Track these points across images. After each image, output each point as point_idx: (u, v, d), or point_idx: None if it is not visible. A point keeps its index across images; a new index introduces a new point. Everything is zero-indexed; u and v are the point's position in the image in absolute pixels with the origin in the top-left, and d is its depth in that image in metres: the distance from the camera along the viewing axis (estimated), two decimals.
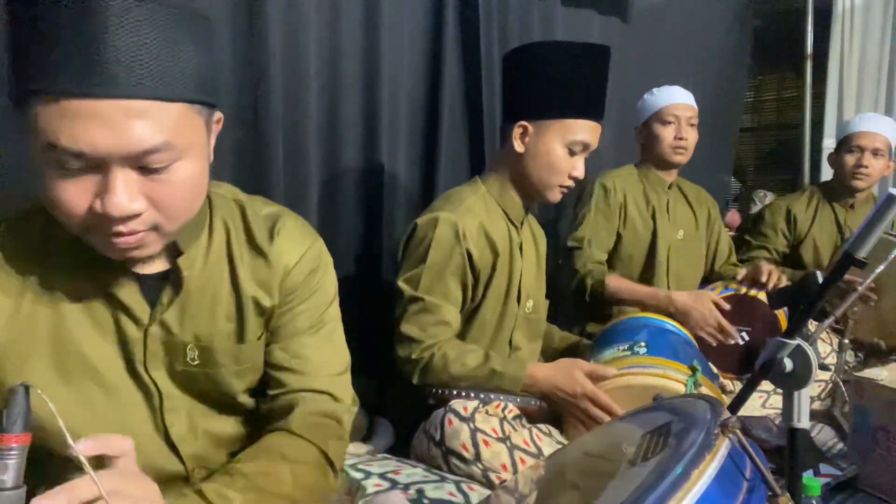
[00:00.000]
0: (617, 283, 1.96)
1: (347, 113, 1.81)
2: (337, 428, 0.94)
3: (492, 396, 1.35)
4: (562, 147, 1.46)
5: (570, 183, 1.50)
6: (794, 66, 3.71)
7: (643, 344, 1.50)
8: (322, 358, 0.95)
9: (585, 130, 1.46)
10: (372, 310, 1.90)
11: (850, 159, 2.36)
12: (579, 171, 1.49)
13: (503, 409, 1.32)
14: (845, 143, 2.39)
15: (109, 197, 0.68)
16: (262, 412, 0.94)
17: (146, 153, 0.68)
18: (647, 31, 2.74)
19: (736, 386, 1.87)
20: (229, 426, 0.93)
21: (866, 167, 2.33)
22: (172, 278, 0.84)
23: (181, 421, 0.88)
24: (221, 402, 0.91)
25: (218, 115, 0.81)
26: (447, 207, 1.46)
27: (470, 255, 1.43)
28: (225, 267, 0.88)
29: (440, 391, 1.37)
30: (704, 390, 1.38)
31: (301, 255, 0.93)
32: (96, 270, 0.79)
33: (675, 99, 2.09)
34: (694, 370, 1.39)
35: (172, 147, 0.70)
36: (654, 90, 2.14)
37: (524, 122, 1.46)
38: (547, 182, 1.49)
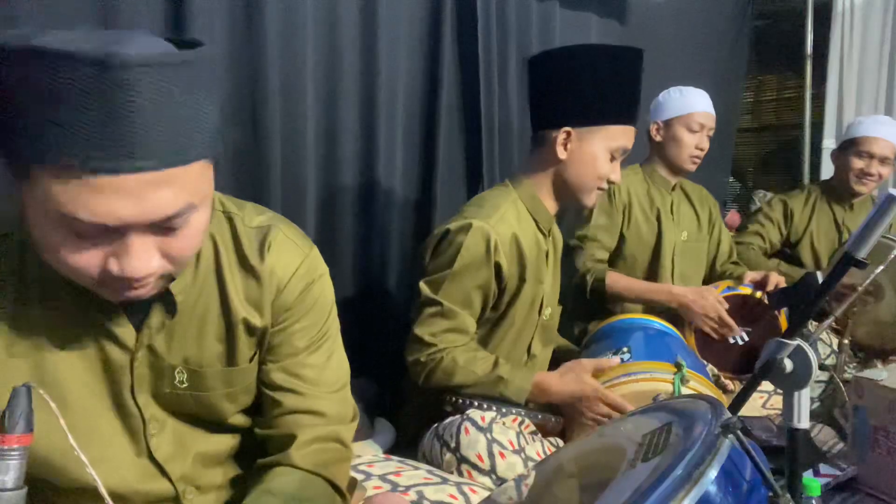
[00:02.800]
0: (617, 279, 1.96)
1: (344, 116, 1.81)
2: (340, 450, 0.92)
3: (513, 411, 1.33)
4: (605, 152, 1.45)
5: (606, 186, 1.50)
6: (794, 66, 3.71)
7: (626, 350, 1.51)
8: (321, 377, 0.92)
9: (626, 136, 1.47)
10: (372, 313, 1.90)
11: (857, 163, 2.35)
12: (616, 176, 1.49)
13: (519, 424, 1.31)
14: (854, 145, 2.36)
15: (128, 260, 0.66)
16: (260, 436, 0.91)
17: (169, 219, 0.67)
18: (645, 33, 2.74)
19: (736, 386, 1.88)
20: (221, 444, 0.91)
21: (873, 175, 2.33)
22: (166, 303, 0.80)
23: (167, 443, 0.85)
24: (212, 423, 0.89)
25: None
26: (481, 215, 1.42)
27: (499, 268, 1.41)
28: (214, 286, 0.84)
29: (456, 399, 1.36)
30: (693, 384, 1.38)
31: (294, 270, 0.88)
32: (78, 296, 0.75)
33: (704, 107, 2.08)
34: (679, 366, 1.40)
35: (192, 206, 0.69)
36: (682, 90, 2.11)
37: (568, 129, 1.44)
38: (587, 186, 1.48)
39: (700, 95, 2.10)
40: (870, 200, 2.53)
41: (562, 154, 1.45)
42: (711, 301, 1.86)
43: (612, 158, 1.47)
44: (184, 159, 0.65)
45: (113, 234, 0.65)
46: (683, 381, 1.36)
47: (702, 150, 2.08)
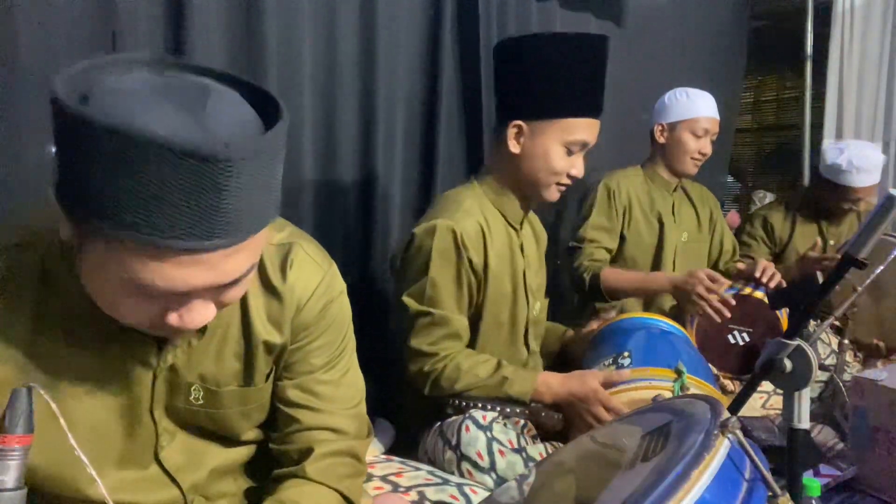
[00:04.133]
0: (611, 273, 1.95)
1: (344, 116, 1.80)
2: (354, 464, 0.92)
3: (517, 411, 1.33)
4: (560, 147, 1.39)
5: (568, 181, 1.45)
6: (794, 66, 3.71)
7: (627, 354, 1.48)
8: (337, 394, 0.92)
9: (584, 129, 1.40)
10: (371, 313, 1.90)
11: (845, 205, 2.38)
12: (578, 170, 1.43)
13: (522, 427, 1.31)
14: (846, 192, 2.34)
15: (189, 316, 0.68)
16: (274, 451, 0.92)
17: (236, 281, 0.68)
18: (644, 33, 2.75)
19: (736, 386, 1.88)
20: (233, 457, 0.91)
21: (859, 210, 2.40)
22: None
23: (177, 453, 0.85)
24: (224, 438, 0.89)
25: None
26: (444, 214, 1.39)
27: (471, 262, 1.39)
28: (236, 305, 0.84)
29: (459, 402, 1.35)
30: (694, 390, 1.37)
31: (314, 289, 0.88)
32: (99, 315, 0.73)
33: (710, 111, 2.07)
34: (679, 373, 1.38)
35: (255, 264, 0.70)
36: (688, 92, 2.09)
37: (519, 122, 1.40)
38: (545, 182, 1.43)
39: (706, 99, 2.09)
40: (854, 215, 2.53)
41: (514, 148, 1.41)
42: (701, 276, 1.79)
43: (570, 153, 1.41)
44: (261, 227, 0.67)
45: (179, 295, 0.66)
46: (683, 388, 1.35)
47: (704, 154, 2.08)
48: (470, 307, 1.44)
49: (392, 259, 1.51)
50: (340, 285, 0.93)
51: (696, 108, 2.06)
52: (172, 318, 0.67)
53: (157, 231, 0.59)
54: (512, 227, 1.51)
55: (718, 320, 1.77)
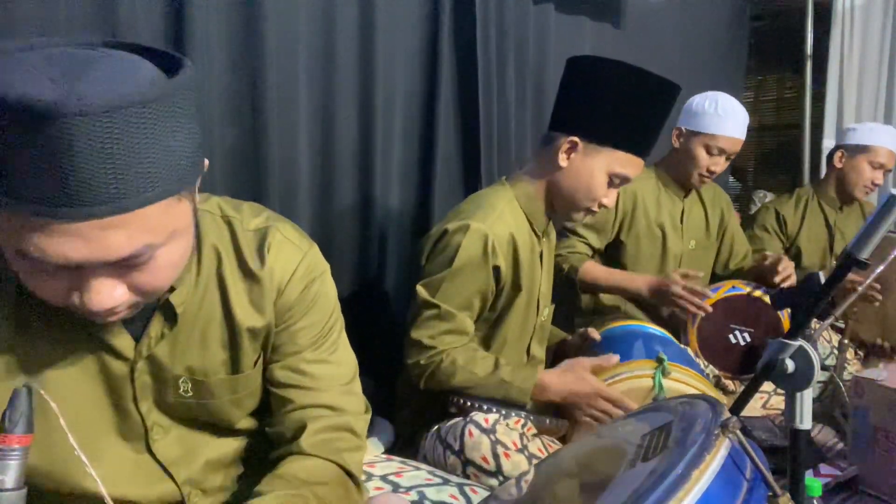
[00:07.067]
0: (593, 269, 1.92)
1: (342, 117, 1.80)
2: (352, 439, 0.92)
3: (521, 414, 1.33)
4: (605, 175, 1.41)
5: (597, 210, 1.47)
6: (794, 66, 3.71)
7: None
8: (328, 372, 0.92)
9: (633, 166, 1.42)
10: (370, 313, 1.90)
11: (867, 172, 2.37)
12: (610, 202, 1.46)
13: (522, 426, 1.31)
14: (868, 153, 2.36)
15: (88, 296, 0.64)
16: (270, 434, 0.91)
17: (124, 260, 0.63)
18: (643, 34, 2.74)
19: (737, 387, 1.88)
20: (228, 448, 0.91)
21: (879, 185, 2.37)
22: (166, 313, 0.80)
23: (171, 447, 0.85)
24: (218, 428, 0.89)
25: (204, 163, 0.73)
26: (478, 215, 1.39)
27: (497, 270, 1.39)
28: (216, 294, 0.84)
29: (461, 401, 1.35)
30: (675, 375, 1.39)
31: (293, 270, 0.87)
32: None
33: (732, 131, 1.96)
34: (660, 360, 1.40)
35: (153, 245, 0.65)
36: (717, 102, 1.97)
37: (575, 139, 1.40)
38: (578, 203, 1.45)
39: (734, 117, 1.97)
40: (857, 202, 2.53)
41: (562, 161, 1.42)
42: (674, 278, 1.85)
43: (611, 184, 1.43)
44: (141, 202, 0.61)
45: (71, 270, 0.63)
46: (664, 373, 1.37)
47: (713, 172, 2.01)
48: (482, 313, 1.44)
49: (416, 253, 1.50)
50: (323, 265, 0.92)
51: (720, 125, 1.96)
52: (75, 298, 0.65)
53: (20, 198, 0.57)
54: (536, 234, 1.52)
55: (701, 313, 1.84)
